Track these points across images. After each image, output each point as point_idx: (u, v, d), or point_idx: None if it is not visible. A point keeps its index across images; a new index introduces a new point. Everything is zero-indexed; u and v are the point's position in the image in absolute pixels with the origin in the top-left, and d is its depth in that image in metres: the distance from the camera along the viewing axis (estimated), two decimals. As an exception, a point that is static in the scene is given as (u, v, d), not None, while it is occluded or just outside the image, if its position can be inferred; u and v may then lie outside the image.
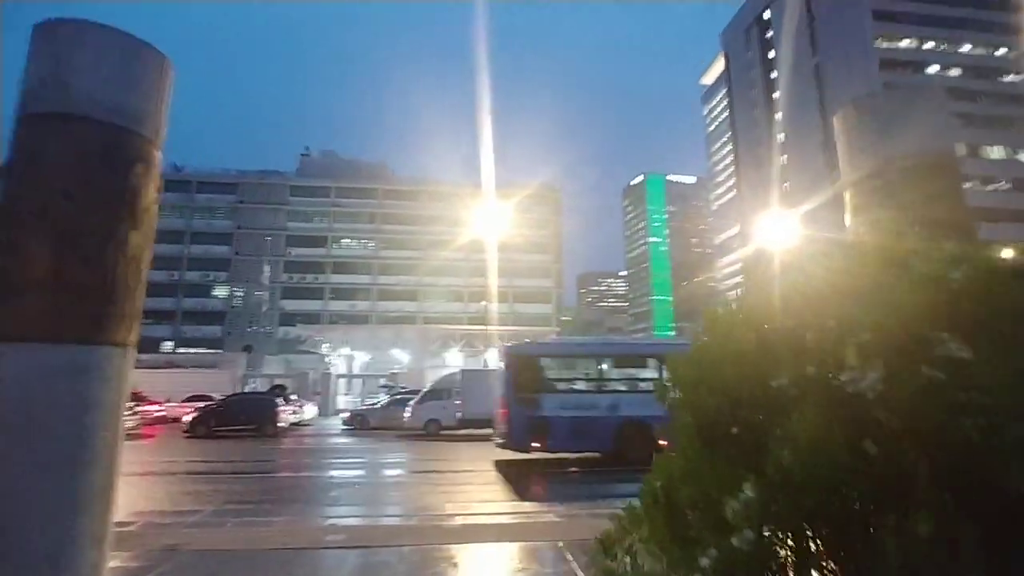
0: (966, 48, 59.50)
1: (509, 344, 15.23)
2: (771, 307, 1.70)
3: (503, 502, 8.80)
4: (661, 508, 1.49)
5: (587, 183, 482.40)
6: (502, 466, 12.64)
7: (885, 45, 59.17)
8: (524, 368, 12.79)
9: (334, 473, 13.04)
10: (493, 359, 39.75)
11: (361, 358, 43.94)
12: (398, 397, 26.47)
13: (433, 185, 72.18)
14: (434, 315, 64.61)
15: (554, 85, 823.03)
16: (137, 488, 9.54)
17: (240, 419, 21.77)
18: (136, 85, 2.79)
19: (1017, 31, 58.76)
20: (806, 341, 1.43)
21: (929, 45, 59.62)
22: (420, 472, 12.73)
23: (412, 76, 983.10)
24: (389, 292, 67.19)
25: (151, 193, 2.81)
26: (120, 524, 5.75)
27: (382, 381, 38.75)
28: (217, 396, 27.42)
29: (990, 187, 55.09)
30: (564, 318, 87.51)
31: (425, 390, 23.82)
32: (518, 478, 11.01)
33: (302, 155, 77.14)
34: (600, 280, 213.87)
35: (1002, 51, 58.58)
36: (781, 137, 72.52)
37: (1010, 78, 58.17)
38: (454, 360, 41.26)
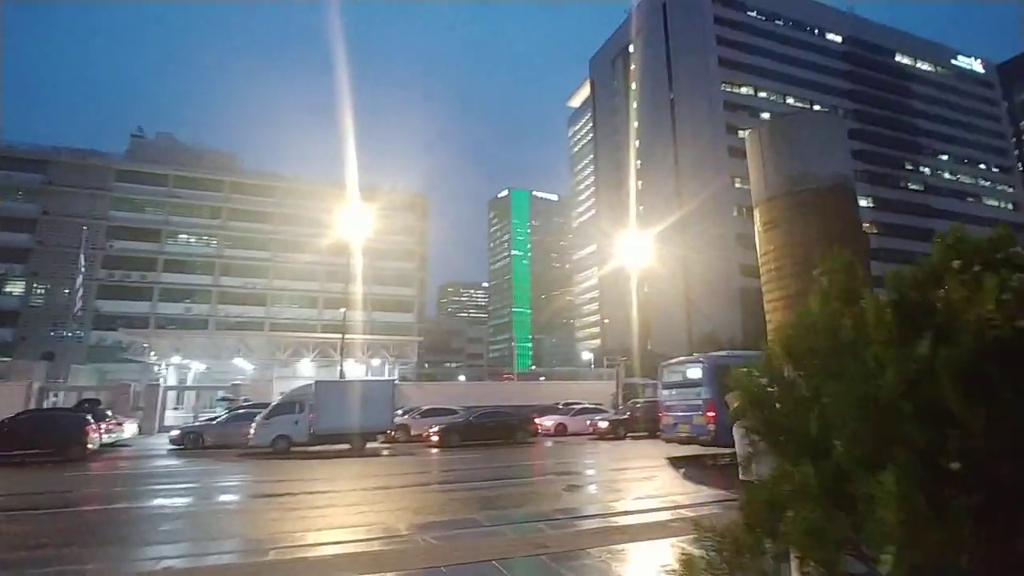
0: (790, 100, 69.65)
1: (710, 355, 16.77)
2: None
3: (371, 526, 7.85)
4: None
5: (454, 193, 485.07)
6: (360, 482, 11.60)
7: (729, 89, 67.17)
8: (724, 375, 12.61)
9: (158, 503, 10.95)
10: (351, 369, 37.62)
11: (196, 368, 39.11)
12: (240, 411, 23.79)
13: (289, 181, 66.90)
14: (284, 321, 59.86)
15: (426, 94, 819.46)
16: None
17: (35, 441, 17.93)
18: None
19: (825, 89, 70.16)
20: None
21: (763, 94, 68.86)
22: (268, 496, 11.17)
23: (271, 67, 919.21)
24: (233, 295, 60.90)
25: None
26: None
27: (221, 394, 34.75)
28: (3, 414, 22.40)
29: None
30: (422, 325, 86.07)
31: (274, 403, 21.60)
32: (377, 496, 10.10)
33: (133, 136, 67.60)
34: (462, 291, 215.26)
35: (816, 107, 69.34)
36: (638, 164, 78.68)
37: None
38: (307, 370, 38.38)
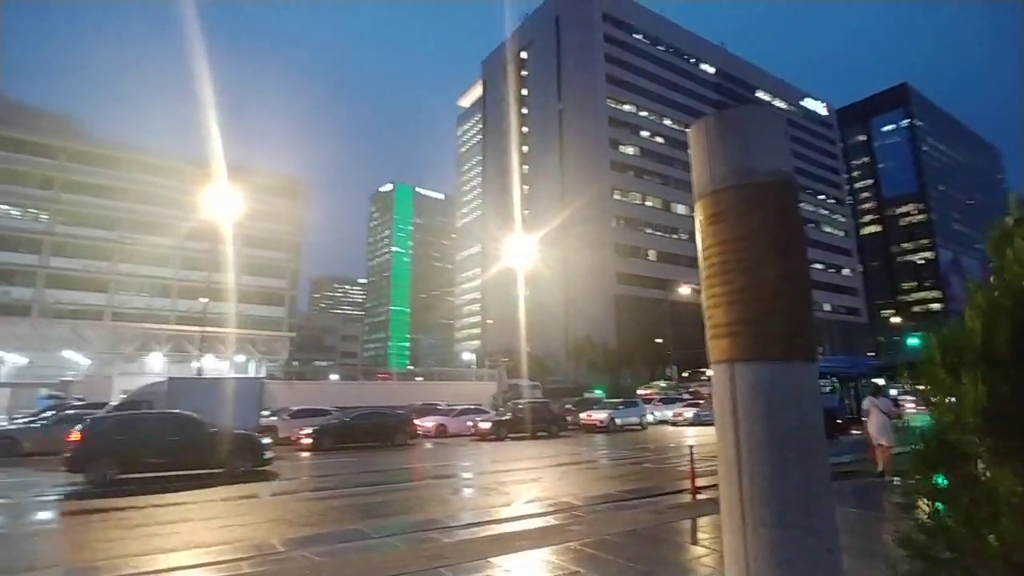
0: (667, 121, 75.01)
1: None
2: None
3: (237, 543, 6.83)
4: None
5: (335, 184, 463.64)
6: (222, 492, 10.31)
7: (614, 105, 70.72)
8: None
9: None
10: (211, 366, 34.15)
11: (14, 361, 33.30)
12: (71, 413, 20.47)
13: (142, 154, 59.13)
14: (130, 311, 52.90)
15: (313, 79, 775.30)
16: None
17: None
18: None
19: (698, 114, 76.49)
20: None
21: (644, 113, 73.41)
22: (102, 512, 9.44)
23: (127, 25, 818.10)
24: (67, 278, 52.61)
25: None
26: None
27: (45, 392, 29.85)
28: None
29: (675, 236, 70.39)
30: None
31: (115, 403, 18.84)
32: (243, 507, 9.00)
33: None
34: (336, 286, 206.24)
35: (689, 130, 75.19)
36: (525, 169, 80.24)
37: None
38: (157, 366, 34.24)
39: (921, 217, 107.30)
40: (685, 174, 75.16)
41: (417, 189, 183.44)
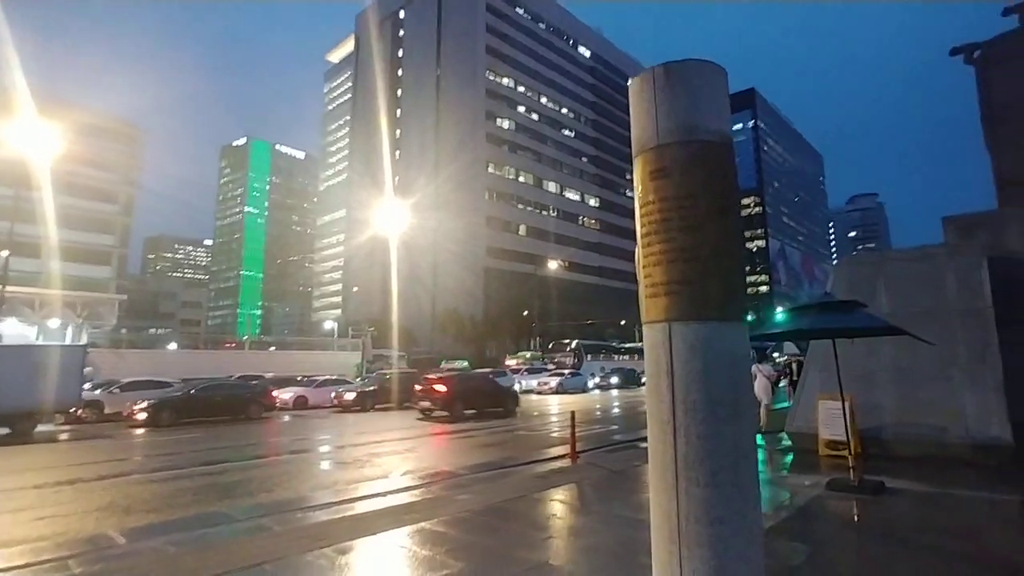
0: (544, 99, 76.02)
1: None
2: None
3: (60, 537, 5.65)
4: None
5: (180, 134, 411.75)
6: (33, 476, 8.67)
7: (492, 77, 70.06)
8: None
9: None
10: (13, 331, 28.73)
11: None
12: None
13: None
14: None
15: (158, 11, 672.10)
16: None
17: None
18: None
19: (573, 96, 78.54)
20: None
21: (521, 88, 73.66)
22: None
23: None
24: None
25: None
26: None
27: None
28: None
29: (545, 213, 72.17)
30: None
31: None
32: (64, 495, 7.62)
33: None
34: (178, 246, 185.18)
35: (565, 110, 77.06)
36: (398, 133, 77.09)
37: (566, 132, 77.09)
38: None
39: (758, 209, 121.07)
40: (558, 153, 77.88)
41: (276, 146, 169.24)
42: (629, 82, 3.86)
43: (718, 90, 3.64)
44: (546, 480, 7.88)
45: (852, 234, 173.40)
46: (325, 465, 10.86)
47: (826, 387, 8.31)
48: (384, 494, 7.48)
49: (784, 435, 10.09)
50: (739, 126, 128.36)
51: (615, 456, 10.03)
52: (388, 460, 10.71)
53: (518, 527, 5.56)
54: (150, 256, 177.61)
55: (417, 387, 19.92)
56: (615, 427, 15.74)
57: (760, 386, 12.30)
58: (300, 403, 24.35)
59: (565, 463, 9.45)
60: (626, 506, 6.27)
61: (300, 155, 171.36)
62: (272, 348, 46.07)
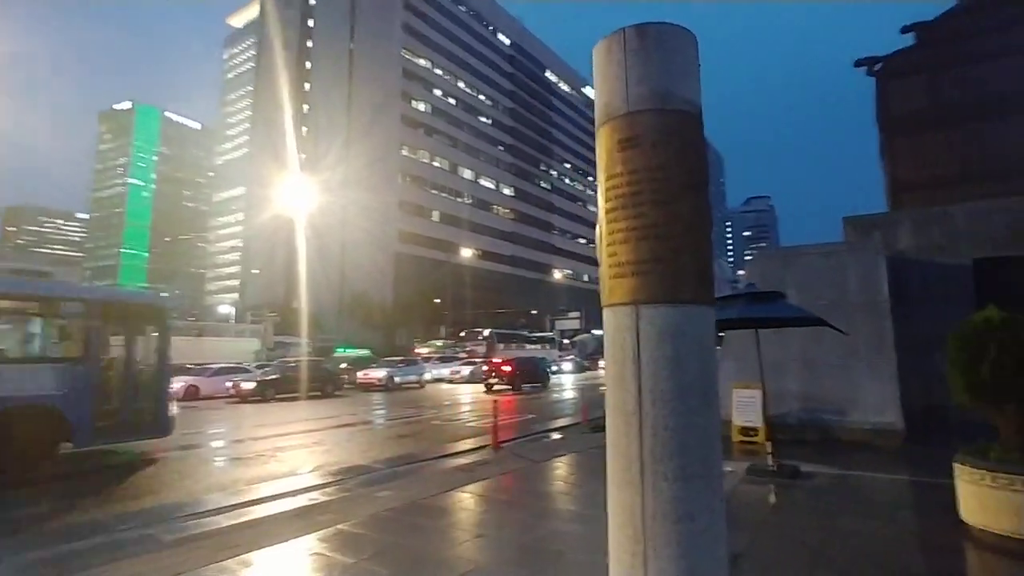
0: (461, 84, 74.64)
1: None
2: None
3: None
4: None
5: (52, 95, 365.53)
6: None
7: (409, 56, 67.77)
8: None
9: None
10: None
11: None
12: None
13: None
14: None
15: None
16: None
17: None
18: None
19: (491, 83, 77.82)
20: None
21: (439, 71, 71.85)
22: None
23: None
24: None
25: None
26: None
27: None
28: None
29: (460, 199, 71.17)
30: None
31: None
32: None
33: None
34: (45, 220, 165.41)
35: (482, 97, 76.19)
36: (306, 108, 72.84)
37: (482, 119, 76.32)
38: None
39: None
40: (474, 139, 76.88)
41: (166, 113, 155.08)
42: (595, 46, 3.51)
43: (691, 58, 3.40)
44: (471, 473, 7.56)
45: (747, 233, 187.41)
46: (224, 462, 9.88)
47: (741, 376, 8.63)
48: (295, 493, 6.83)
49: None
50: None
51: (536, 446, 9.92)
52: (295, 454, 9.93)
53: (444, 524, 5.21)
54: (10, 228, 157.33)
55: (484, 368, 27.21)
56: (532, 416, 15.74)
57: None
58: (191, 394, 22.46)
59: (488, 453, 9.19)
60: (557, 500, 6.09)
61: (195, 125, 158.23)
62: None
